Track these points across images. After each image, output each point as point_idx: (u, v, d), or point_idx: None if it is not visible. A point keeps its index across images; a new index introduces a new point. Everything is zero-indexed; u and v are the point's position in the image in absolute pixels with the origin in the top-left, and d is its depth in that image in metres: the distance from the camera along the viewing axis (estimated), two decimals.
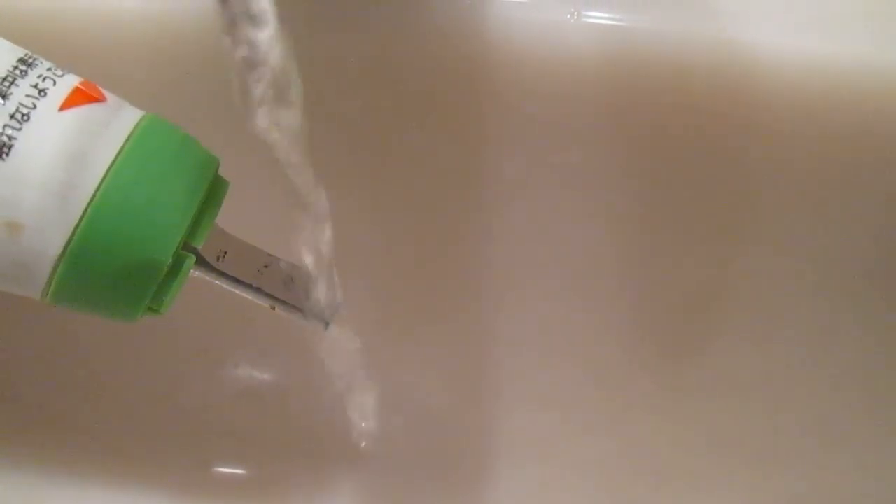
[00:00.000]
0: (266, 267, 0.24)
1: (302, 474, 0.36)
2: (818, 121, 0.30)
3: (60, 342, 0.36)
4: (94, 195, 0.19)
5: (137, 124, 0.20)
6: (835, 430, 0.35)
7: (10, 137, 0.19)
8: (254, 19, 0.20)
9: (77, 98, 0.20)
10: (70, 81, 0.20)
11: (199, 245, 0.21)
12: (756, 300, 0.34)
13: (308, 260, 0.24)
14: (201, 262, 0.22)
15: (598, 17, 0.30)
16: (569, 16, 0.30)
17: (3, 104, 0.19)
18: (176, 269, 0.21)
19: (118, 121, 0.20)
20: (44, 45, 0.22)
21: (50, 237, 0.19)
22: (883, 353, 0.34)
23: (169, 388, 0.37)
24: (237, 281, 0.23)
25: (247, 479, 0.36)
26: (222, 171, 0.22)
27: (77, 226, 0.19)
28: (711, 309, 0.34)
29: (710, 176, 0.32)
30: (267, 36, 0.20)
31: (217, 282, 0.23)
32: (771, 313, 0.34)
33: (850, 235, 0.32)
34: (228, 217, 0.23)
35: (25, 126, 0.19)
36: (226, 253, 0.22)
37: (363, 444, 0.28)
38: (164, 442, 0.37)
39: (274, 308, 0.24)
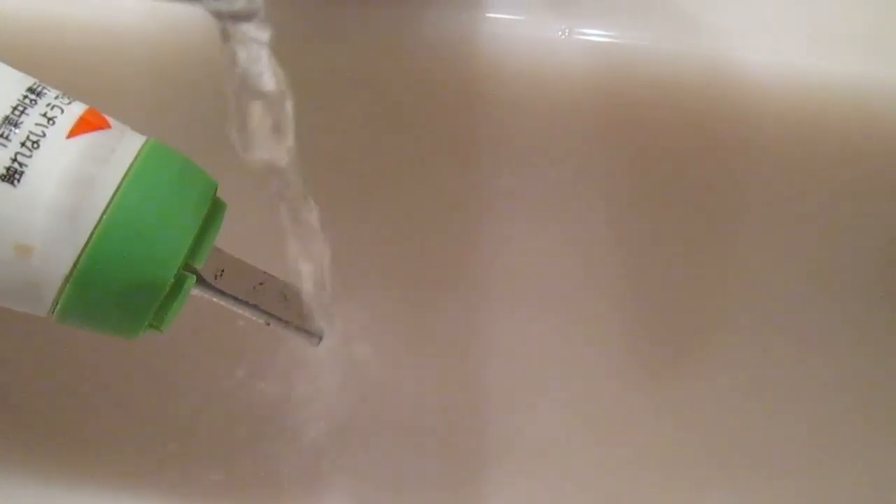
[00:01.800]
0: (261, 284, 0.24)
1: (298, 480, 0.37)
2: (811, 137, 0.30)
3: (57, 351, 0.36)
4: (100, 218, 0.20)
5: (140, 150, 0.21)
6: (835, 435, 0.35)
7: (21, 164, 0.19)
8: (248, 38, 0.21)
9: (83, 126, 0.20)
10: (76, 110, 0.21)
11: (200, 265, 0.22)
12: (754, 309, 0.34)
13: (301, 275, 0.25)
14: (200, 281, 0.22)
15: (589, 34, 0.30)
16: (560, 33, 0.30)
17: (15, 132, 0.20)
18: (177, 288, 0.21)
19: (122, 147, 0.21)
20: (43, 61, 0.22)
21: (58, 259, 0.20)
22: (882, 358, 0.34)
23: (165, 395, 0.37)
24: (234, 298, 0.23)
25: (243, 485, 0.37)
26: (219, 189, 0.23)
27: (84, 248, 0.20)
28: (710, 316, 0.35)
29: (703, 190, 0.32)
30: (261, 54, 0.21)
31: (215, 299, 0.23)
32: (769, 321, 0.34)
33: (847, 246, 0.32)
34: (222, 234, 0.23)
35: (36, 153, 0.20)
36: (223, 271, 0.23)
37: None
38: (161, 448, 0.37)
39: (269, 324, 0.25)
